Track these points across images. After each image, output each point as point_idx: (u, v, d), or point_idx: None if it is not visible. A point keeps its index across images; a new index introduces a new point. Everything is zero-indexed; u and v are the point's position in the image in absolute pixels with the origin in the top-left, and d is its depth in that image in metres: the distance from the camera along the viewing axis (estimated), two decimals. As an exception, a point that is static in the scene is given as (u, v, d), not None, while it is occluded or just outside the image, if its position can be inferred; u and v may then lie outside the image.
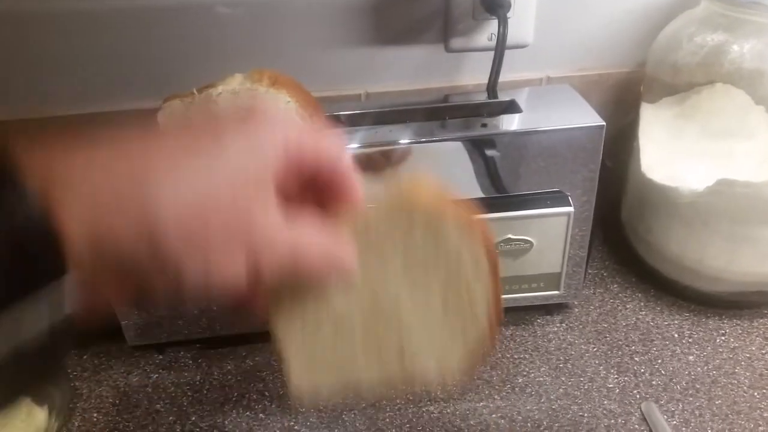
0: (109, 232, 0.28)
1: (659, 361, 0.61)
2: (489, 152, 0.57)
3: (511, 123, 0.57)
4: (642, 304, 0.68)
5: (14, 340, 0.27)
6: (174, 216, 0.29)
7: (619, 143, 0.69)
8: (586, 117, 0.57)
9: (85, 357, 0.66)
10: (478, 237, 0.35)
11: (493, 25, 0.67)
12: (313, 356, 0.38)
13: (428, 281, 0.36)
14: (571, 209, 0.57)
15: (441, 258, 0.35)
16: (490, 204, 0.57)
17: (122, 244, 0.28)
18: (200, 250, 0.30)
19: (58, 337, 0.29)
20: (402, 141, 0.56)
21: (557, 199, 0.57)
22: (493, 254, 0.36)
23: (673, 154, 0.65)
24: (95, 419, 0.60)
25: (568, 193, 0.58)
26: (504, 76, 0.65)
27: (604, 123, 0.56)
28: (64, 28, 0.65)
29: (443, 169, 0.57)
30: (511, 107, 0.60)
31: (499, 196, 0.58)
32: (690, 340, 0.63)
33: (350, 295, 0.36)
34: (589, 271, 0.70)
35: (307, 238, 0.33)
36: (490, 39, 0.68)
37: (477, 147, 0.56)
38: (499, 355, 0.62)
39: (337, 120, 0.61)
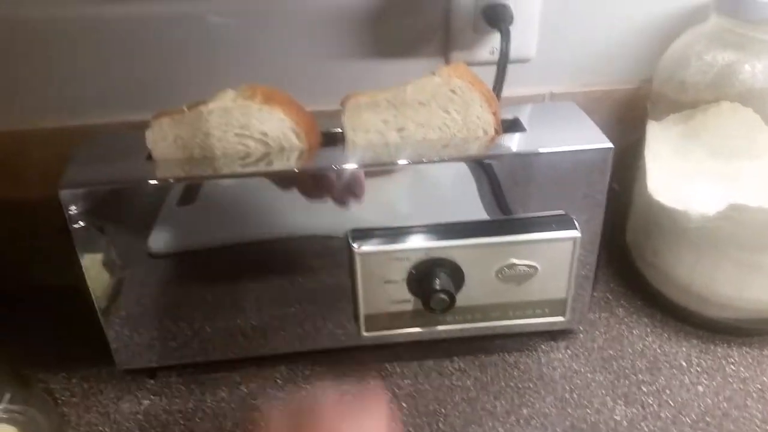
0: None
1: (667, 391, 0.59)
2: (491, 173, 0.55)
3: (514, 143, 0.55)
4: (648, 329, 0.66)
5: None
6: None
7: (623, 162, 0.66)
8: (594, 138, 0.55)
9: (73, 381, 0.64)
10: None
11: (494, 39, 0.65)
12: None
13: None
14: (577, 234, 0.55)
15: None
16: (493, 227, 0.55)
17: None
18: None
19: None
20: (401, 160, 0.54)
21: (563, 222, 0.55)
22: None
23: (680, 175, 0.63)
24: (83, 449, 0.58)
25: (574, 217, 0.56)
26: (505, 91, 0.63)
27: (613, 146, 0.54)
28: (51, 38, 0.63)
29: (444, 189, 0.55)
30: (515, 126, 0.58)
31: (502, 218, 0.56)
32: (699, 369, 0.61)
33: None
34: (594, 294, 0.68)
35: None
36: (492, 53, 0.66)
37: (479, 167, 0.54)
38: (503, 384, 0.60)
39: (332, 137, 0.59)
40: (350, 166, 0.53)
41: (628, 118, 0.71)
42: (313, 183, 0.54)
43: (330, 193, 0.54)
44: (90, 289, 0.56)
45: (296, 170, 0.53)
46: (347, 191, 0.54)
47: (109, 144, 0.59)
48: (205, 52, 0.66)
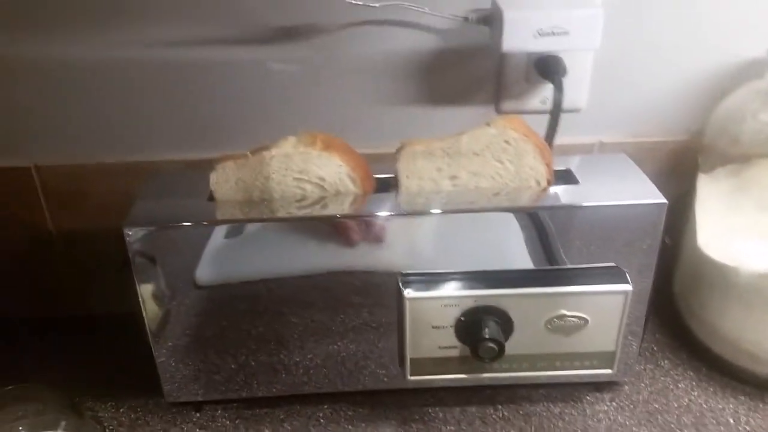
0: None
1: (715, 449, 0.58)
2: (543, 223, 0.55)
3: (568, 195, 0.56)
4: (694, 383, 0.65)
5: None
6: None
7: (672, 213, 0.66)
8: (648, 193, 0.55)
9: (121, 410, 0.65)
10: None
11: (546, 89, 0.66)
12: None
13: None
14: (629, 287, 0.55)
15: None
16: (543, 277, 0.56)
17: None
18: None
19: None
20: (452, 208, 0.55)
21: (615, 275, 0.55)
22: None
23: (731, 229, 0.63)
24: (130, 479, 0.59)
25: (625, 269, 0.56)
26: (555, 140, 0.64)
27: (667, 201, 0.54)
28: (117, 79, 0.66)
29: (494, 237, 0.56)
30: (567, 177, 0.59)
31: (554, 268, 0.57)
32: (747, 428, 0.60)
33: None
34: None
35: None
36: (543, 102, 0.67)
37: (531, 217, 0.55)
38: (547, 435, 0.60)
39: (386, 182, 0.60)
40: (401, 212, 0.55)
41: (678, 169, 0.71)
42: (365, 228, 0.55)
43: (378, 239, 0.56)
44: (146, 319, 0.58)
45: (339, 215, 0.55)
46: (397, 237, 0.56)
47: (173, 183, 0.61)
48: (264, 97, 0.68)
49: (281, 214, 0.55)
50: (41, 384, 0.60)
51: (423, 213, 0.55)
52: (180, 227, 0.54)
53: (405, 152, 0.57)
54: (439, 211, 0.55)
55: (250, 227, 0.55)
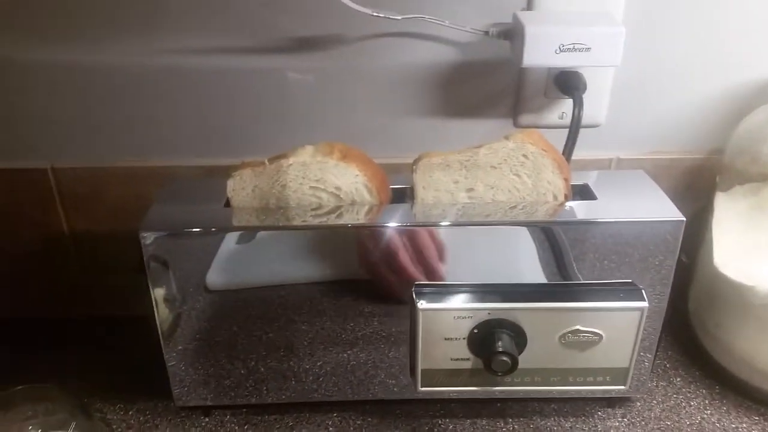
0: None
1: (728, 470, 0.58)
2: (559, 238, 0.55)
3: (585, 210, 0.56)
4: (707, 401, 0.65)
5: None
6: None
7: (688, 231, 0.66)
8: (666, 210, 0.55)
9: (130, 413, 0.65)
10: None
11: (564, 104, 0.66)
12: None
13: None
14: (645, 304, 0.54)
15: None
16: (558, 292, 0.56)
17: None
18: None
19: None
20: (468, 221, 0.55)
21: (631, 292, 0.55)
22: None
23: (748, 249, 0.62)
24: (138, 484, 0.59)
25: (641, 286, 0.56)
26: (573, 155, 0.64)
27: (684, 219, 0.54)
28: (134, 84, 0.66)
29: (511, 251, 0.56)
30: (585, 192, 0.59)
31: (569, 283, 0.56)
32: (761, 448, 0.60)
33: None
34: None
35: None
36: (561, 117, 0.67)
37: (547, 232, 0.55)
38: (558, 450, 0.60)
39: (402, 193, 0.60)
40: (416, 223, 0.55)
41: (695, 187, 0.71)
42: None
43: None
44: (158, 323, 0.58)
45: (354, 224, 0.55)
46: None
47: (189, 189, 0.61)
48: (283, 106, 0.68)
49: (296, 222, 0.55)
50: (52, 384, 0.60)
51: (438, 224, 0.55)
52: (196, 233, 0.55)
53: (422, 164, 0.57)
54: (454, 222, 0.55)
55: (263, 233, 0.56)
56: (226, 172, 0.57)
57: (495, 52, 0.64)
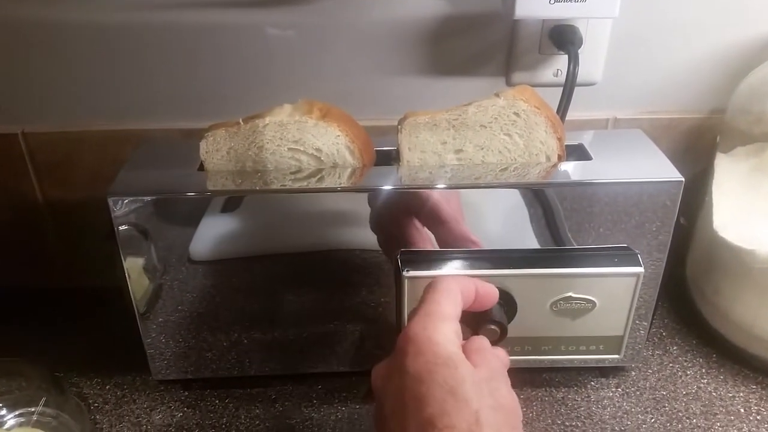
0: None
1: (724, 439, 0.56)
2: (551, 201, 0.52)
3: (579, 171, 0.53)
4: (704, 370, 0.63)
5: None
6: None
7: (687, 194, 0.64)
8: (663, 170, 0.52)
9: (107, 387, 0.63)
10: None
11: (559, 61, 0.63)
12: None
13: None
14: (641, 269, 0.52)
15: None
16: (550, 257, 0.53)
17: None
18: None
19: None
20: (455, 183, 0.52)
21: (626, 257, 0.52)
22: None
23: (749, 211, 0.59)
24: (114, 459, 0.57)
25: (637, 251, 0.53)
26: (567, 114, 0.61)
27: (683, 178, 0.51)
28: (106, 43, 0.63)
29: (499, 214, 0.53)
30: (579, 153, 0.56)
31: (561, 248, 0.54)
32: (758, 417, 0.58)
33: None
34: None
35: None
36: (556, 75, 0.64)
37: (539, 194, 0.52)
38: (549, 421, 0.58)
39: (387, 155, 0.57)
40: (403, 187, 0.52)
41: (694, 148, 0.68)
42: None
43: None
44: (131, 293, 0.55)
45: (336, 188, 0.52)
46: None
47: (163, 152, 0.58)
48: (262, 64, 0.65)
49: (275, 186, 0.52)
50: (23, 358, 0.58)
51: (426, 188, 0.52)
52: (165, 197, 0.52)
53: (407, 123, 0.54)
54: (442, 186, 0.52)
55: (248, 201, 0.53)
56: (202, 134, 0.54)
57: (486, 4, 0.61)
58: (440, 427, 0.37)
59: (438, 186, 0.52)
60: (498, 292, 0.49)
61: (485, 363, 0.42)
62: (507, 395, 0.41)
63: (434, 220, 0.53)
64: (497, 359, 0.44)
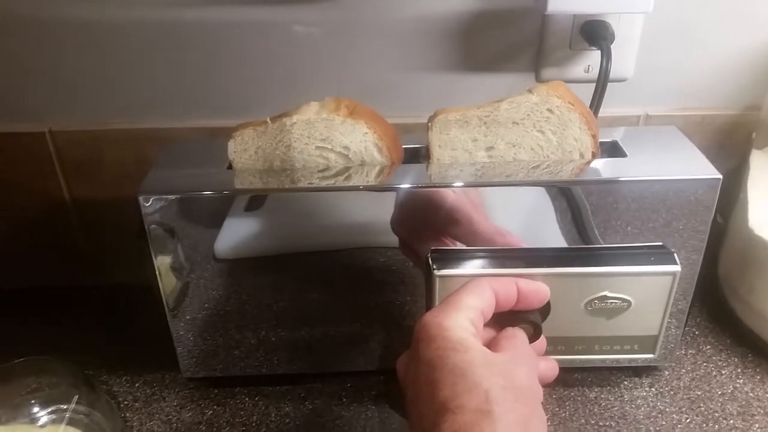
0: None
1: (764, 441, 0.55)
2: (588, 200, 0.51)
3: (614, 169, 0.52)
4: (739, 370, 0.62)
5: None
6: None
7: (720, 192, 0.63)
8: (701, 168, 0.51)
9: (137, 385, 0.63)
10: None
11: (590, 56, 0.62)
12: None
13: None
14: (677, 268, 0.51)
15: None
16: (584, 256, 0.52)
17: None
18: None
19: None
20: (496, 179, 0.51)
21: (662, 256, 0.52)
22: None
23: (786, 209, 0.58)
24: (145, 457, 0.57)
25: (673, 250, 0.52)
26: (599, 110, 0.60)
27: (721, 177, 0.50)
28: (133, 41, 0.63)
29: (533, 212, 0.53)
30: (614, 150, 0.55)
31: (596, 247, 0.53)
32: (798, 419, 0.57)
33: None
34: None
35: None
36: (587, 71, 0.63)
37: (575, 193, 0.51)
38: (583, 421, 0.57)
39: (416, 153, 0.57)
40: (432, 184, 0.51)
41: (728, 145, 0.67)
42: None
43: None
44: (161, 291, 0.55)
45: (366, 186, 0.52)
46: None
47: (191, 151, 0.58)
48: (288, 62, 0.64)
49: (302, 184, 0.52)
50: (52, 356, 0.58)
51: (455, 185, 0.51)
52: (196, 196, 0.52)
53: (438, 120, 0.53)
54: (473, 183, 0.51)
55: (272, 199, 0.53)
56: (229, 133, 0.54)
57: None
58: (452, 408, 0.37)
59: (462, 184, 0.51)
60: (549, 289, 0.49)
61: (511, 347, 0.43)
62: (524, 378, 0.41)
63: (453, 222, 0.53)
64: (526, 346, 0.45)
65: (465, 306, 0.43)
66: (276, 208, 0.53)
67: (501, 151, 0.53)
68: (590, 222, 0.52)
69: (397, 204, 0.52)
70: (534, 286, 0.48)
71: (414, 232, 0.54)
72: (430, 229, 0.53)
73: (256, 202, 0.53)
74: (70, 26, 0.62)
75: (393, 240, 0.54)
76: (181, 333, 0.58)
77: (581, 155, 0.53)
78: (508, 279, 0.47)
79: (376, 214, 0.53)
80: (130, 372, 0.64)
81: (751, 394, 0.59)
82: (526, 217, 0.53)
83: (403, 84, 0.65)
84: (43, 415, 0.55)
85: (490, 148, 0.53)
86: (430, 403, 0.39)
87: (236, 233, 0.54)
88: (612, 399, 0.59)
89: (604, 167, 0.52)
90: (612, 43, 0.58)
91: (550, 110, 0.52)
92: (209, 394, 0.62)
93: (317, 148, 0.53)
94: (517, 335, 0.45)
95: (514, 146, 0.53)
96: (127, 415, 0.60)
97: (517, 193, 0.52)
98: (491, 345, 0.44)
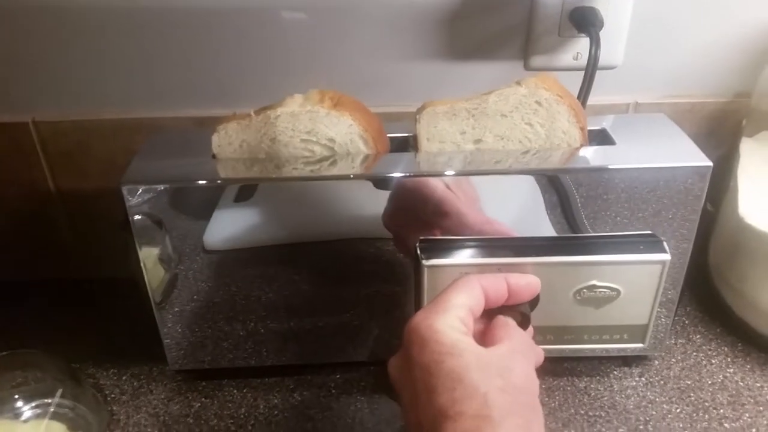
0: None
1: (753, 430, 0.55)
2: (576, 188, 0.51)
3: (603, 156, 0.52)
4: (729, 359, 0.62)
5: None
6: None
7: (711, 179, 0.62)
8: (691, 155, 0.51)
9: (123, 378, 0.63)
10: None
11: (579, 44, 0.62)
12: None
13: None
14: (667, 257, 0.51)
15: None
16: (573, 245, 0.52)
17: None
18: None
19: None
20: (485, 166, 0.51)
21: (652, 244, 0.51)
22: None
23: (776, 196, 0.58)
24: (132, 450, 0.56)
25: (662, 238, 0.52)
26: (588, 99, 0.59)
27: (711, 164, 0.49)
28: (118, 30, 0.62)
29: (520, 200, 0.52)
30: (602, 138, 0.54)
31: (585, 235, 0.53)
32: (788, 407, 0.57)
33: None
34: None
35: None
36: (576, 58, 0.62)
37: (563, 181, 0.51)
38: (572, 411, 0.57)
39: (403, 142, 0.56)
40: (419, 173, 0.51)
41: (718, 132, 0.66)
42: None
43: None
44: (147, 282, 0.55)
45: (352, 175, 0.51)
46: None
47: (176, 141, 0.58)
48: (274, 50, 0.63)
49: (287, 170, 0.51)
50: (40, 349, 0.58)
51: (443, 174, 0.51)
52: (179, 186, 0.51)
53: (426, 113, 0.53)
54: (462, 171, 0.51)
55: (262, 190, 0.52)
56: (217, 123, 0.53)
57: (504, -15, 0.60)
58: (451, 415, 0.37)
59: (451, 173, 0.50)
60: (540, 281, 0.48)
61: (508, 337, 0.43)
62: (520, 374, 0.41)
63: (442, 214, 0.52)
64: (520, 331, 0.45)
65: (454, 305, 0.43)
66: (266, 200, 0.53)
67: (489, 144, 0.53)
68: (579, 211, 0.52)
69: (388, 198, 0.52)
70: (524, 280, 0.47)
71: (404, 226, 0.53)
72: (419, 222, 0.53)
73: (245, 193, 0.52)
74: (53, 14, 0.61)
75: (382, 231, 0.53)
76: (169, 325, 0.58)
77: (569, 147, 0.52)
78: (498, 275, 0.47)
79: (366, 204, 0.53)
80: (117, 365, 0.64)
81: (741, 384, 0.59)
82: (515, 206, 0.53)
83: (390, 72, 0.65)
84: (26, 409, 0.54)
85: (478, 141, 0.53)
86: (429, 408, 0.38)
87: (226, 224, 0.53)
88: (601, 389, 0.59)
89: (593, 155, 0.52)
90: (601, 29, 0.58)
91: (538, 102, 0.51)
92: (197, 387, 0.61)
93: (302, 140, 0.52)
94: (509, 323, 0.45)
95: (502, 139, 0.53)
96: (114, 408, 0.59)
97: (507, 182, 0.51)
98: (485, 336, 0.44)
